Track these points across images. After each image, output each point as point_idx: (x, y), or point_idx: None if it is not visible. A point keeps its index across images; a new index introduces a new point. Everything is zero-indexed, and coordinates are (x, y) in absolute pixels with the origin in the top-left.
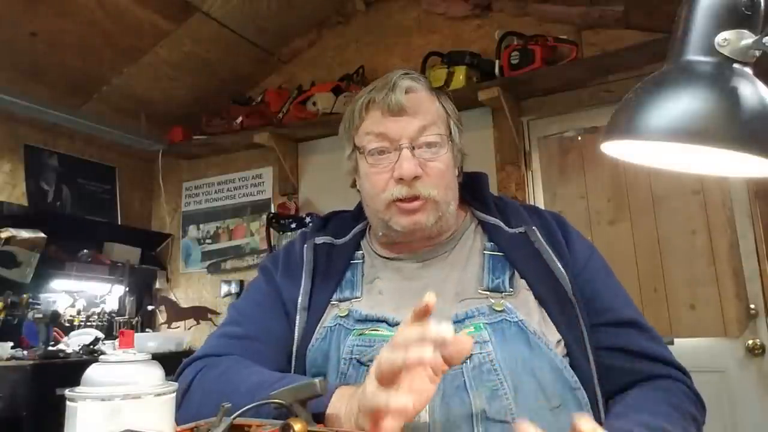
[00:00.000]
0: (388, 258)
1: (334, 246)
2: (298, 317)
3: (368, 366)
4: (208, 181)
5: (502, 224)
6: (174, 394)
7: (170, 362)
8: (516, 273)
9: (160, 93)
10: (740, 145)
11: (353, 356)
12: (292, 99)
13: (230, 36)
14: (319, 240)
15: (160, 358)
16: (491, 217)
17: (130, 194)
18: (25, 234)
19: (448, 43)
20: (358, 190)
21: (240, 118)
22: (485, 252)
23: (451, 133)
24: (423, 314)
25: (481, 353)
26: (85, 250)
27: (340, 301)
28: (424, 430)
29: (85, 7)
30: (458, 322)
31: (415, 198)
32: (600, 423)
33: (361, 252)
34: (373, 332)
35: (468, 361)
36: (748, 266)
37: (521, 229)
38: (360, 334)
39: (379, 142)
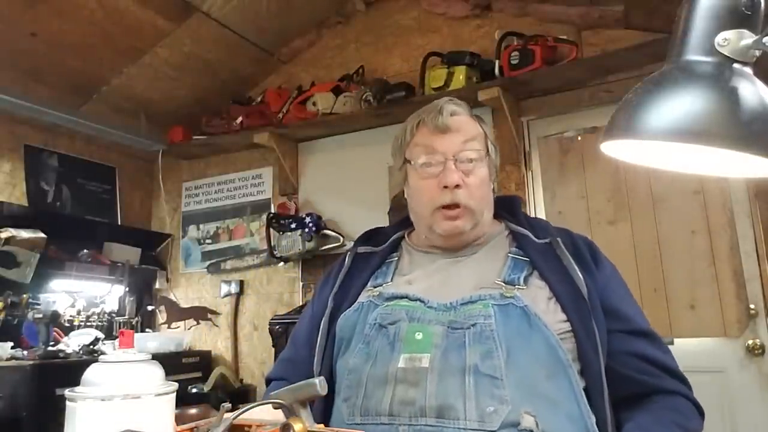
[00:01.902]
0: (426, 252)
1: (373, 253)
2: (329, 305)
3: (387, 328)
4: (208, 181)
5: (530, 234)
6: (174, 394)
7: (170, 362)
8: (533, 273)
9: (160, 93)
10: (740, 145)
11: (377, 321)
12: (292, 99)
13: (230, 36)
14: (362, 250)
15: (160, 358)
16: (522, 228)
17: (130, 194)
18: (25, 234)
19: (448, 43)
20: (405, 199)
21: (240, 118)
22: (510, 254)
23: (488, 151)
24: None
25: (484, 323)
26: (85, 250)
27: (374, 287)
28: (423, 374)
29: (85, 8)
30: (471, 302)
31: (456, 206)
32: (602, 408)
33: (396, 254)
34: (395, 304)
35: (472, 327)
36: (748, 267)
37: (547, 240)
38: (386, 307)
39: (427, 155)
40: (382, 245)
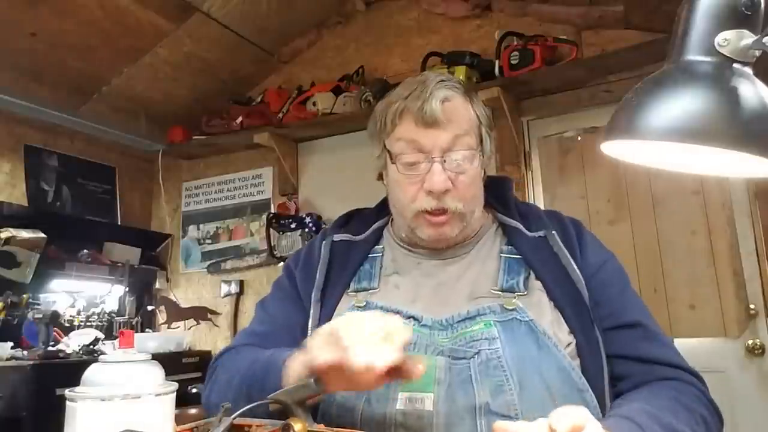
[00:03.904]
0: (409, 251)
1: (352, 242)
2: (311, 310)
3: None
4: (208, 181)
5: (522, 227)
6: (174, 394)
7: (170, 362)
8: (531, 275)
9: (160, 93)
10: (740, 145)
11: None
12: (292, 99)
13: (230, 36)
14: (338, 237)
15: (160, 358)
16: (512, 220)
17: (130, 194)
18: (25, 234)
19: (448, 43)
20: (384, 184)
21: (240, 118)
22: (502, 255)
23: (482, 141)
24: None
25: (489, 349)
26: (85, 250)
27: (357, 291)
28: (428, 419)
29: (85, 7)
30: (469, 318)
31: (443, 211)
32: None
33: (380, 246)
34: None
35: (476, 356)
36: (748, 266)
37: (541, 233)
38: None
39: (411, 153)
40: (362, 234)
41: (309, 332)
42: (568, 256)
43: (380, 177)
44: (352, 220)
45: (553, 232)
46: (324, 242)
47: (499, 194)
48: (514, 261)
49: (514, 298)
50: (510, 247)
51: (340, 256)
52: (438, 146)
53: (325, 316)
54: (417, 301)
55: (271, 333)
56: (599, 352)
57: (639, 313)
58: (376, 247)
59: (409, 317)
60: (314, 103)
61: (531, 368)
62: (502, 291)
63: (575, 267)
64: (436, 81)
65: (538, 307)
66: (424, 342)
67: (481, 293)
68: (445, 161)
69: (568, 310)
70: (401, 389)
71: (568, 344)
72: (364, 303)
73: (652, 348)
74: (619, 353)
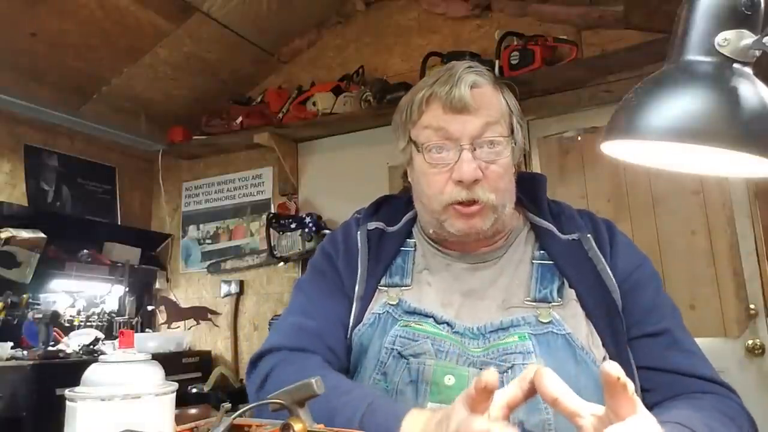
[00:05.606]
0: (438, 250)
1: (386, 232)
2: (354, 306)
3: (408, 360)
4: (208, 181)
5: (555, 230)
6: (174, 394)
7: (170, 362)
8: (565, 282)
9: (160, 93)
10: (740, 145)
11: (395, 347)
12: (292, 99)
13: (230, 36)
14: (372, 225)
15: (160, 358)
16: (544, 221)
17: (130, 194)
18: (25, 234)
19: (448, 43)
20: (409, 181)
21: (240, 118)
22: (534, 261)
23: (513, 132)
24: (485, 394)
25: (523, 364)
26: (85, 250)
27: (389, 286)
28: None
29: (85, 7)
30: (502, 329)
31: (473, 202)
32: None
33: (412, 240)
34: (418, 326)
35: (510, 370)
36: (748, 266)
37: (575, 236)
38: (405, 326)
39: (439, 140)
40: (395, 225)
41: (350, 329)
42: (603, 261)
43: (405, 175)
44: (382, 208)
45: (588, 235)
46: (359, 232)
47: (531, 192)
48: (547, 268)
49: (550, 309)
50: (542, 252)
51: (374, 247)
52: (467, 133)
53: (360, 312)
54: (449, 306)
55: (324, 332)
56: (630, 364)
57: (667, 320)
58: (408, 240)
59: (442, 322)
60: (314, 103)
61: (568, 385)
62: (536, 301)
63: (610, 273)
64: (464, 67)
65: (574, 318)
66: (456, 351)
67: (514, 303)
68: (474, 149)
69: (599, 319)
70: (431, 399)
71: (603, 358)
72: (397, 300)
73: (678, 358)
74: (643, 364)
